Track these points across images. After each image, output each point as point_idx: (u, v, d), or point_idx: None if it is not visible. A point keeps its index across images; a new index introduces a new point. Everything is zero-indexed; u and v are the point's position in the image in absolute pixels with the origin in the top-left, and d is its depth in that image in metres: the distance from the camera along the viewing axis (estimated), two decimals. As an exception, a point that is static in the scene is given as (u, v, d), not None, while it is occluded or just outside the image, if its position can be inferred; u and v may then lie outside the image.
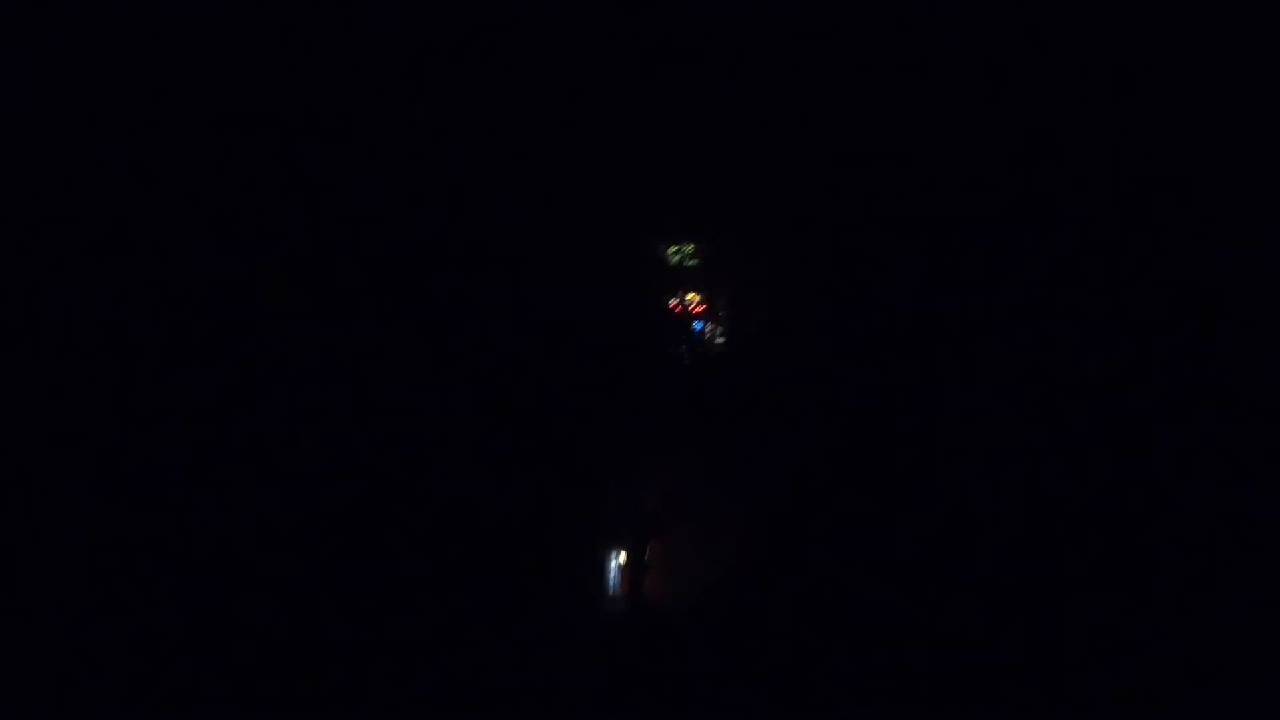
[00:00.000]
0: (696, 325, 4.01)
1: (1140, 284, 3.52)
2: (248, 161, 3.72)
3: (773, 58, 3.80)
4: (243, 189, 3.72)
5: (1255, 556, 3.23)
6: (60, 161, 3.58)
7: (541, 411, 3.82)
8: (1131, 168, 3.58)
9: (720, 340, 3.98)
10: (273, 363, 3.60)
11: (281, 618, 3.44)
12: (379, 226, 3.82)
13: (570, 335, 3.86)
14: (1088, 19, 3.59)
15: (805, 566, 3.53)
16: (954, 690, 3.16)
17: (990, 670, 3.18)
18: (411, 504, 3.67)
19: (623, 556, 3.77)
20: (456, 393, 3.80)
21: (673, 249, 4.06)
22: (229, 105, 3.70)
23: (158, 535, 3.44)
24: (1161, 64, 3.55)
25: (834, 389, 3.72)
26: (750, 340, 3.98)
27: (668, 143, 3.89)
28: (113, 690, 3.25)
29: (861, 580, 3.44)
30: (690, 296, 4.02)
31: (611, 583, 3.77)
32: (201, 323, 3.62)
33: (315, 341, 3.67)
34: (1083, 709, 3.16)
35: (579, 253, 3.89)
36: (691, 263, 4.05)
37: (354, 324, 3.78)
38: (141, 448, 3.51)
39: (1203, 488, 3.33)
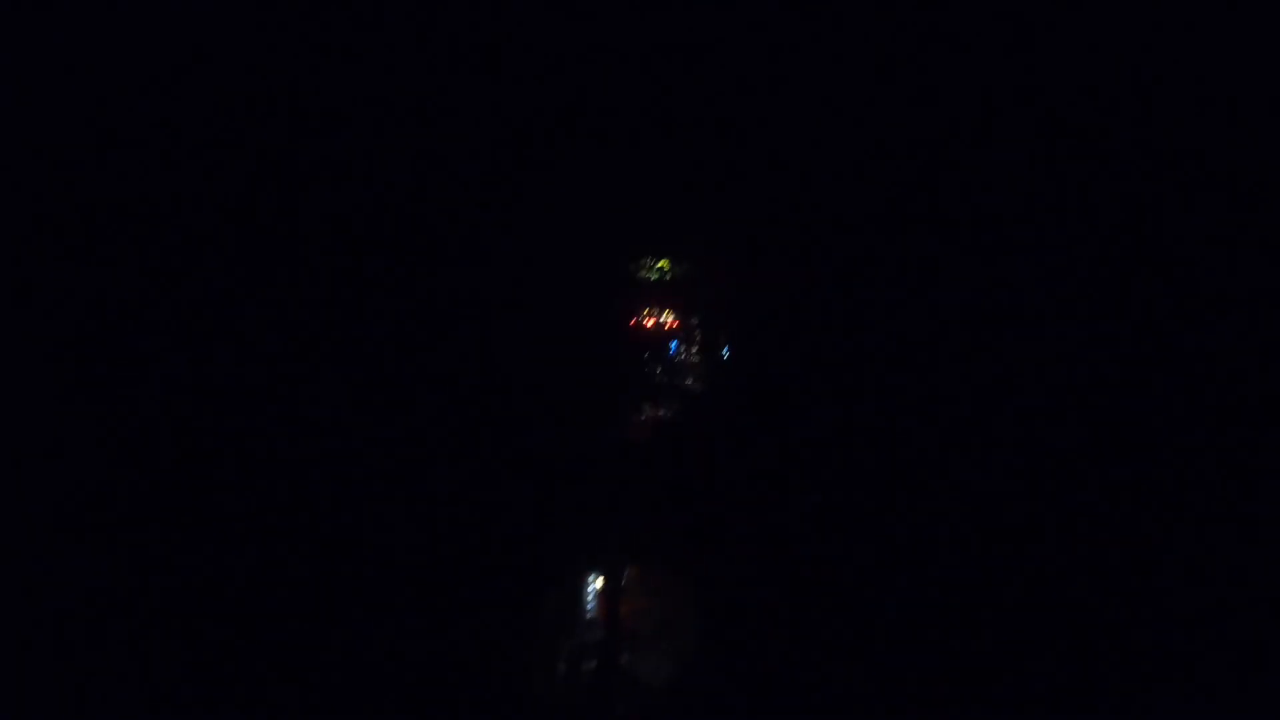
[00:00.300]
0: (671, 344, 3.93)
1: (1122, 286, 3.52)
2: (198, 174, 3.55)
3: (751, 69, 3.71)
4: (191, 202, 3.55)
5: (1256, 557, 3.25)
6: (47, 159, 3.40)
7: (514, 434, 3.75)
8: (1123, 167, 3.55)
9: (695, 359, 3.92)
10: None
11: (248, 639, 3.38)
12: (338, 239, 3.68)
13: (539, 356, 3.77)
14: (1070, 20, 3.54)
15: (784, 591, 3.54)
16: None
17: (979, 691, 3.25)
18: (382, 529, 3.60)
19: (600, 581, 3.74)
20: (425, 415, 3.70)
21: (646, 265, 3.96)
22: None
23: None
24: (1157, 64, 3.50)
25: (814, 406, 3.70)
26: (726, 359, 3.92)
27: (640, 156, 3.78)
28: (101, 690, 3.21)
29: (843, 604, 3.47)
30: (665, 315, 3.94)
31: (589, 608, 3.75)
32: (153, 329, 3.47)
33: (270, 373, 3.54)
34: (1083, 710, 3.24)
35: (548, 270, 3.79)
36: (666, 279, 3.96)
37: (317, 339, 3.66)
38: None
39: (1203, 487, 3.35)
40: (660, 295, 3.94)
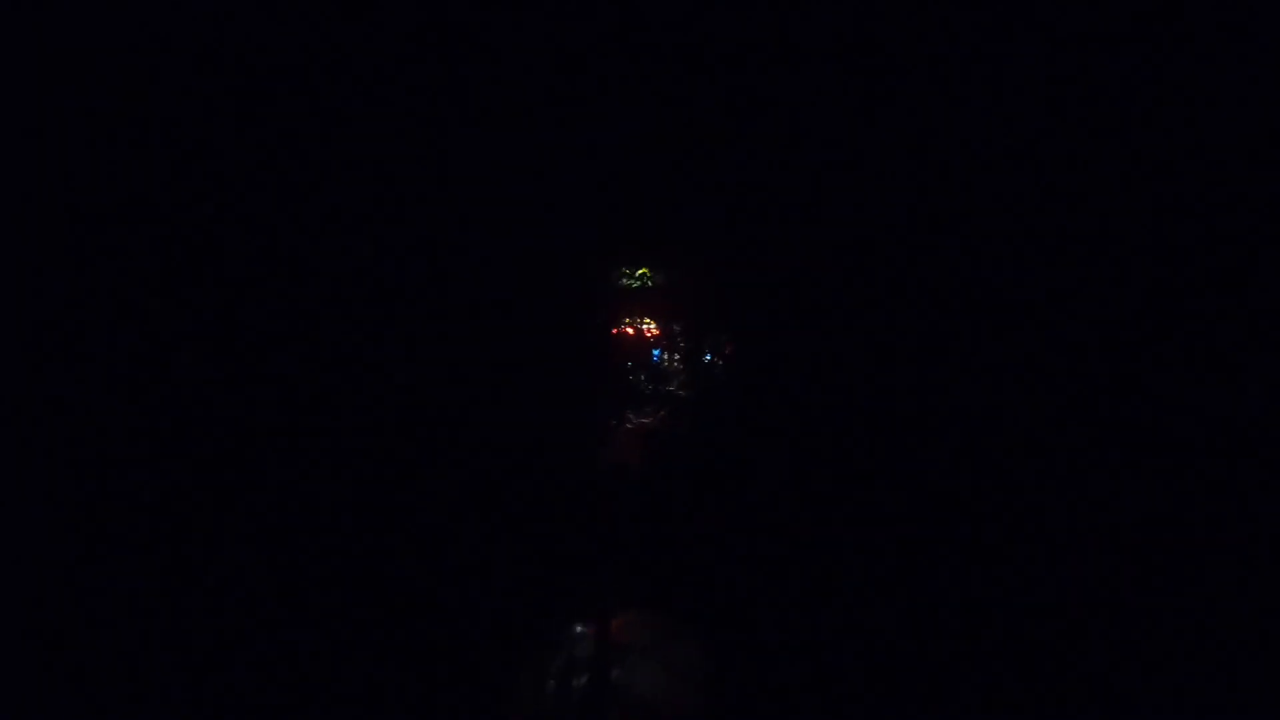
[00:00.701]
0: (654, 353, 3.89)
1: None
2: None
3: (735, 70, 3.68)
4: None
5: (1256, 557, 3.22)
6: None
7: (494, 448, 3.68)
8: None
9: (679, 368, 3.88)
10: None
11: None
12: (305, 246, 3.59)
13: (520, 366, 3.71)
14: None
15: (778, 602, 3.50)
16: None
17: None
18: (362, 550, 3.52)
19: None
20: (402, 432, 3.62)
21: (626, 272, 3.92)
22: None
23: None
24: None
25: (802, 416, 3.66)
26: (709, 367, 3.88)
27: (620, 160, 3.75)
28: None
29: (839, 615, 3.43)
30: (646, 322, 3.90)
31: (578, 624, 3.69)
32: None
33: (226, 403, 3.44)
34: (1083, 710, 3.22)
35: (525, 278, 3.73)
36: (647, 286, 3.92)
37: (285, 351, 3.57)
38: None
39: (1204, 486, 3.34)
40: (642, 302, 3.90)
